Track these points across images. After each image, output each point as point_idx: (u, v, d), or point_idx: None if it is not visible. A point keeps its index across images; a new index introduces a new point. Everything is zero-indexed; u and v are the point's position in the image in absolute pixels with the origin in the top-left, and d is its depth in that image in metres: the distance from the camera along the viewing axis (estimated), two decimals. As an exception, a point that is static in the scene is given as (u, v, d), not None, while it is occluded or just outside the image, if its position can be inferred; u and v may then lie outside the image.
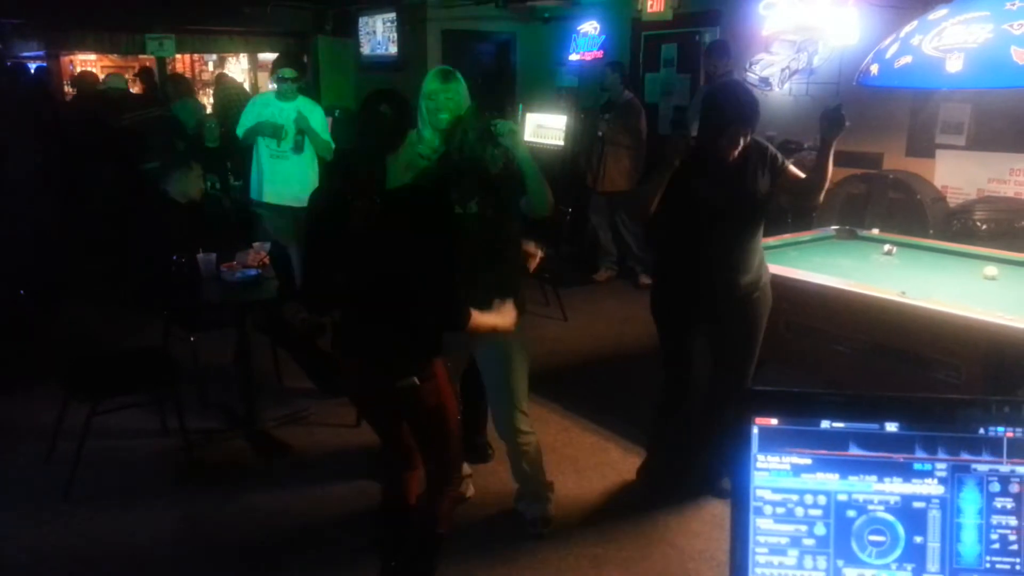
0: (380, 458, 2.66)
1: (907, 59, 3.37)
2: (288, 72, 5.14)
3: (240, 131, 5.21)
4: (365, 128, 2.31)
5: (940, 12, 3.32)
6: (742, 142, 2.93)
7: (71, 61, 12.03)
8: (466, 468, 3.29)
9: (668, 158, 2.97)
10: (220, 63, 12.60)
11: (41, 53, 10.20)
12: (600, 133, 6.56)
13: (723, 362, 3.23)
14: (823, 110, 3.01)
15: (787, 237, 4.35)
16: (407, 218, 2.27)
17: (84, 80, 8.27)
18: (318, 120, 5.22)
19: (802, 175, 3.08)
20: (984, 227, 4.81)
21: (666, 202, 3.03)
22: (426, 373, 2.38)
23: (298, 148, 5.10)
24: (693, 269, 3.12)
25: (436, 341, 2.42)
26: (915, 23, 3.46)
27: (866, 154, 5.91)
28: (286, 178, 5.14)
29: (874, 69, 3.57)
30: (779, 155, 3.11)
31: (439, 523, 2.58)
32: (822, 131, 2.97)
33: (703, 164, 2.99)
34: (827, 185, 3.05)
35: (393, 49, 9.34)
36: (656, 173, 3.05)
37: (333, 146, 5.33)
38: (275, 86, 5.24)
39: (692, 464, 3.37)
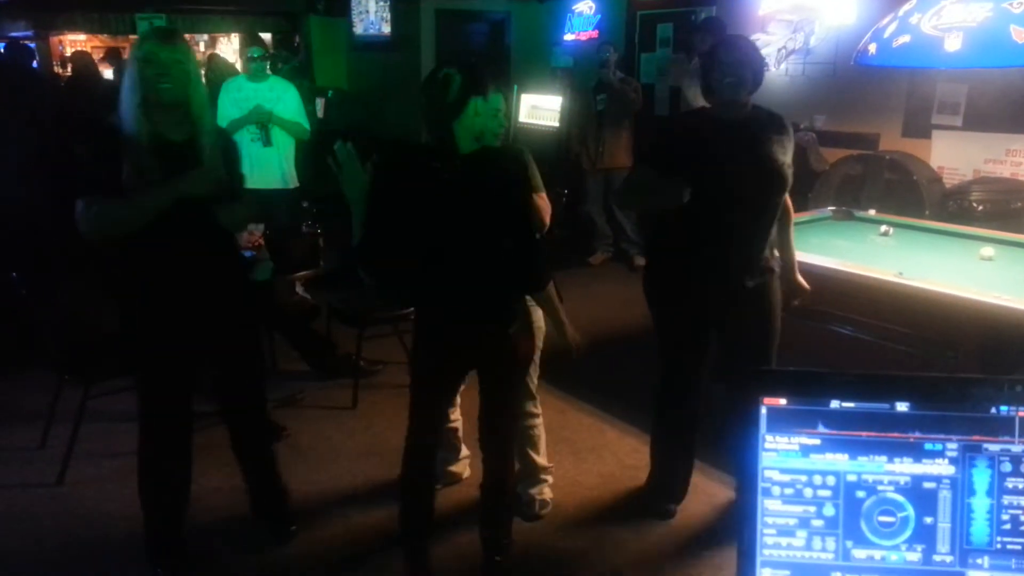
0: (412, 439, 2.62)
1: (905, 38, 3.35)
2: (256, 51, 5.08)
3: (223, 122, 5.13)
4: (427, 95, 2.31)
5: (940, -10, 3.30)
6: (747, 96, 2.70)
7: (60, 41, 11.89)
8: (464, 449, 3.32)
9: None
10: (212, 43, 12.48)
11: (30, 33, 10.08)
12: (601, 108, 6.50)
13: (741, 350, 2.91)
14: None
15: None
16: (490, 176, 2.32)
17: (81, 60, 8.23)
18: (291, 101, 5.14)
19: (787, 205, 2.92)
20: (980, 208, 4.81)
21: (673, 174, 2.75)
22: (520, 321, 2.47)
23: (265, 142, 5.04)
24: (707, 245, 2.79)
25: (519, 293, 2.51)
26: (914, 2, 3.44)
27: (862, 135, 5.90)
28: (267, 163, 5.09)
29: (872, 48, 3.55)
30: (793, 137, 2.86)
31: (510, 486, 2.69)
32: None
33: (712, 127, 2.74)
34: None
35: (386, 29, 9.25)
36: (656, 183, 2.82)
37: (307, 126, 5.27)
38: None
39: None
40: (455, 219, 2.31)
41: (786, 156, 2.75)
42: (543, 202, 2.80)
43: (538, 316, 2.94)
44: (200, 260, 2.57)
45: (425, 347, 2.55)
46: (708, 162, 2.67)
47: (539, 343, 2.97)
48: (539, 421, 3.12)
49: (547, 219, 2.81)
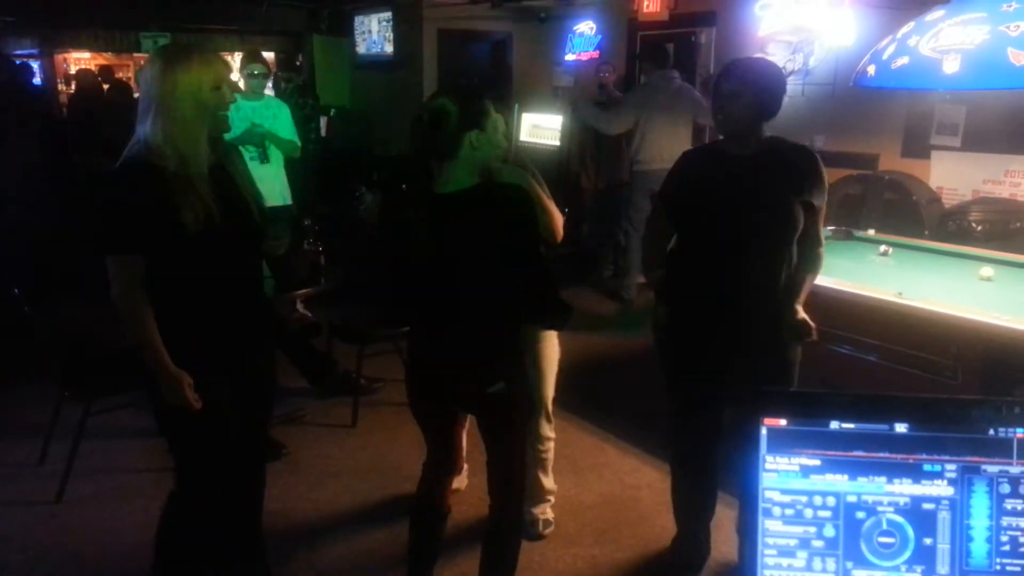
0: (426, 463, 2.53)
1: (904, 60, 3.38)
2: (257, 68, 5.12)
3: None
4: (411, 134, 2.22)
5: (937, 13, 3.33)
6: (748, 127, 2.52)
7: (65, 59, 11.98)
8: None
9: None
10: (227, 66, 12.55)
11: (35, 51, 10.16)
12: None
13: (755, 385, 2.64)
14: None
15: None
16: (463, 217, 2.16)
17: (86, 78, 8.32)
18: (285, 119, 5.18)
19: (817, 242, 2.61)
20: (979, 228, 4.82)
21: (676, 216, 2.67)
22: (515, 376, 2.31)
23: (263, 159, 5.06)
24: (717, 293, 2.58)
25: (516, 343, 2.32)
26: (912, 24, 3.46)
27: (862, 155, 5.93)
28: (266, 180, 5.12)
29: (871, 70, 3.57)
30: (820, 185, 2.53)
31: (516, 532, 2.53)
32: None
33: (715, 163, 2.60)
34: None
35: (389, 48, 9.32)
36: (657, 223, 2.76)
37: (299, 144, 5.30)
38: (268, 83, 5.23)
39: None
40: (428, 264, 2.21)
41: (801, 195, 2.49)
42: (554, 210, 2.70)
43: (552, 344, 2.96)
44: (247, 292, 2.40)
45: (408, 382, 2.44)
46: (706, 201, 2.57)
47: (554, 367, 2.97)
48: (551, 445, 3.10)
49: (559, 229, 2.70)
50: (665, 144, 5.87)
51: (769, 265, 2.54)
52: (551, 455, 3.12)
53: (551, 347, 2.96)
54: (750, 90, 2.47)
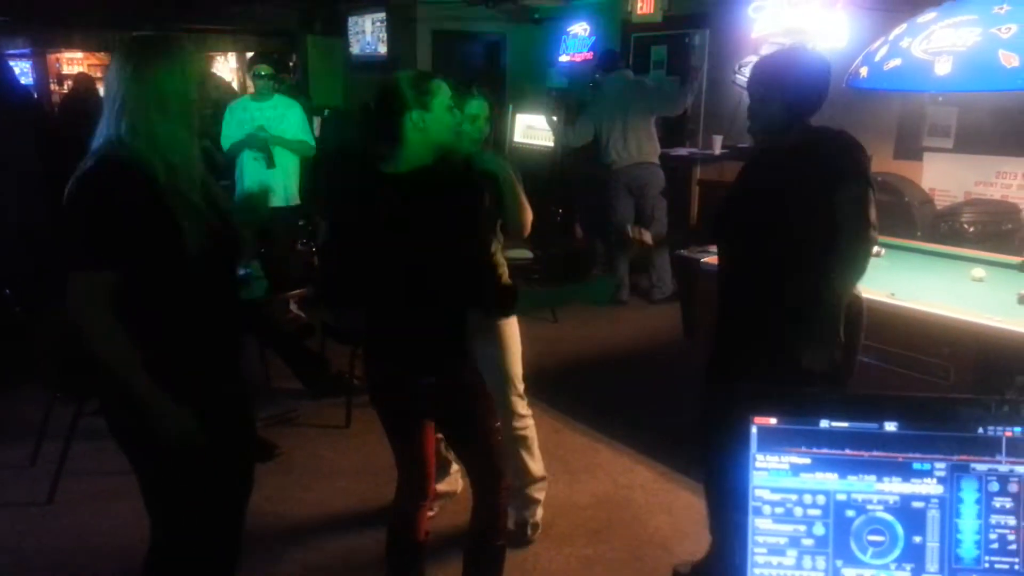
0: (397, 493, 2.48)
1: (896, 62, 3.39)
2: (264, 69, 5.12)
3: (225, 143, 5.16)
4: (361, 120, 2.22)
5: (929, 15, 3.35)
6: (767, 124, 2.37)
7: (57, 59, 11.95)
8: (454, 465, 3.28)
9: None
10: (208, 62, 12.54)
11: (27, 51, 10.13)
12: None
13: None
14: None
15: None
16: (406, 195, 2.11)
17: (83, 82, 8.31)
18: (295, 118, 5.18)
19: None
20: (971, 229, 4.84)
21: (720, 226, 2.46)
22: (466, 367, 2.28)
23: (268, 164, 5.06)
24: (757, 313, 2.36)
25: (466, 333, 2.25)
26: (904, 26, 3.48)
27: (854, 157, 5.94)
28: (269, 182, 5.12)
29: (863, 72, 3.59)
30: (857, 180, 2.26)
31: (498, 535, 2.43)
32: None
33: (751, 161, 2.48)
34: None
35: (383, 49, 9.31)
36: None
37: (312, 143, 5.31)
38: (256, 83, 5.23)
39: None
40: (374, 244, 2.15)
41: (827, 192, 2.23)
42: (525, 204, 2.55)
43: (513, 331, 2.91)
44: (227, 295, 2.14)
45: (367, 380, 2.39)
46: (729, 204, 2.47)
47: (517, 342, 2.92)
48: (528, 423, 3.01)
49: (527, 222, 2.53)
50: (631, 140, 5.96)
51: (796, 272, 2.31)
52: (530, 432, 3.02)
53: (510, 323, 2.89)
54: (772, 81, 2.34)
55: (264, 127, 5.04)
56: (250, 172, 5.14)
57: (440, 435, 3.00)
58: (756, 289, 2.38)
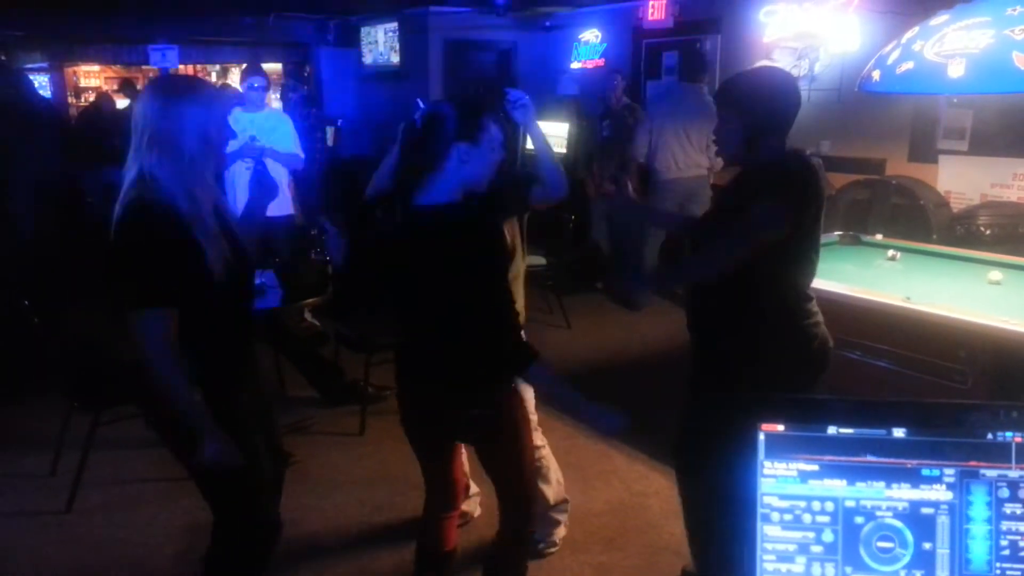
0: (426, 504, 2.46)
1: (909, 65, 3.37)
2: (257, 80, 5.15)
3: None
4: (401, 141, 2.12)
5: (941, 18, 3.33)
6: (727, 147, 2.38)
7: (75, 72, 12.10)
8: (473, 487, 3.22)
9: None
10: (223, 73, 12.66)
11: (44, 65, 10.27)
12: (606, 135, 6.57)
13: None
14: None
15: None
16: (428, 233, 2.05)
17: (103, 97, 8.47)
18: (285, 131, 5.20)
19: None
20: (988, 232, 4.80)
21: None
22: (507, 395, 2.22)
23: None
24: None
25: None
26: (916, 29, 3.46)
27: (869, 160, 5.92)
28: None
29: (876, 75, 3.57)
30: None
31: (521, 560, 2.42)
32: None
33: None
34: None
35: (395, 59, 9.37)
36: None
37: (302, 156, 5.32)
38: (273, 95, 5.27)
39: None
40: (401, 278, 2.12)
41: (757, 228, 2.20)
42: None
43: None
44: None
45: (399, 400, 2.34)
46: (701, 221, 2.63)
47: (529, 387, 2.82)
48: (545, 452, 2.98)
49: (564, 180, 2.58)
50: (679, 152, 5.90)
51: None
52: (546, 461, 2.98)
53: None
54: (727, 112, 2.32)
55: (257, 138, 5.05)
56: (242, 182, 5.16)
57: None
58: (710, 301, 2.41)
